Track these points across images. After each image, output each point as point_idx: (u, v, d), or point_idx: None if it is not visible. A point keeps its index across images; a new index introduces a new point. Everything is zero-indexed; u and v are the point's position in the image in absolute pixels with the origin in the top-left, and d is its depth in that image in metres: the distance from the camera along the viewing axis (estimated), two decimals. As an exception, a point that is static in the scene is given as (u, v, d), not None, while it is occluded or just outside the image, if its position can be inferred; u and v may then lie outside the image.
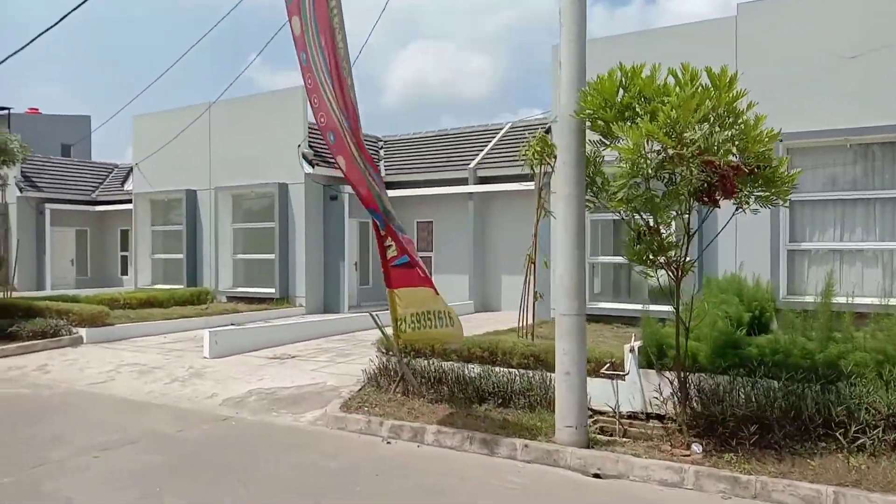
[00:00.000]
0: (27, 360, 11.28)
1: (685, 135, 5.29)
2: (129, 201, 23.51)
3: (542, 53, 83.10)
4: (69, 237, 25.46)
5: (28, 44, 12.16)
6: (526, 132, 18.09)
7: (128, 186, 21.15)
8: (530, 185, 15.11)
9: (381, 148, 20.73)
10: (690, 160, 5.29)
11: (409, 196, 18.57)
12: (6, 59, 12.31)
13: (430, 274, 18.98)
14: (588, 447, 5.93)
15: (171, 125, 19.21)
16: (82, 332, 12.55)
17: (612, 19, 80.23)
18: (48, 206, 23.56)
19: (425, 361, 8.08)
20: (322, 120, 7.26)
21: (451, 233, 18.39)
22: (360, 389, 8.04)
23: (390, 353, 8.24)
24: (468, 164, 17.81)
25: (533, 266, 9.28)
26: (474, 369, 7.85)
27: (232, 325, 13.70)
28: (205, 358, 10.78)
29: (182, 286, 19.03)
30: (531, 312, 9.41)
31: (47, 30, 10.82)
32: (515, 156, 17.14)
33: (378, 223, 7.34)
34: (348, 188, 17.10)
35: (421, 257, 19.20)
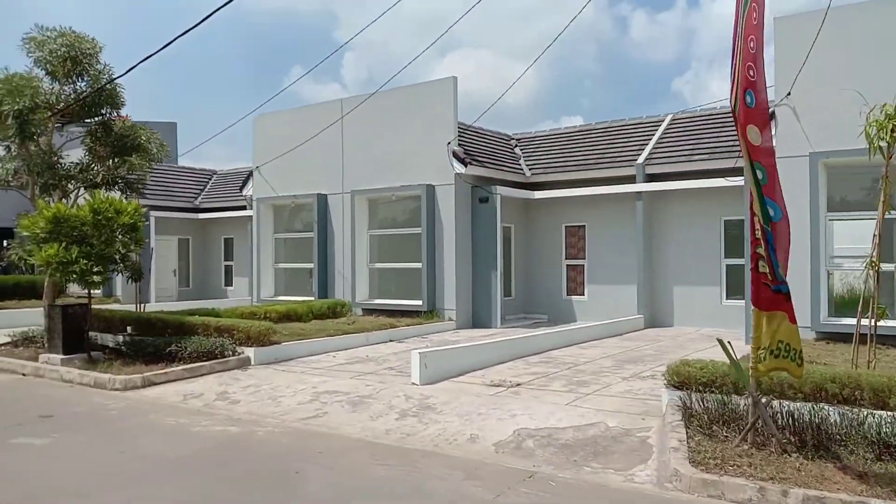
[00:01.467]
0: (198, 385, 9.81)
1: None
2: (234, 208, 22.36)
3: (581, 61, 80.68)
4: (172, 247, 24.42)
5: (160, 49, 11.07)
6: (694, 123, 16.17)
7: (247, 191, 19.87)
8: (737, 181, 13.18)
9: (515, 147, 18.99)
10: None
11: (555, 198, 16.80)
12: (138, 63, 11.22)
13: (584, 284, 17.24)
14: None
15: (294, 125, 17.89)
16: (249, 351, 11.06)
17: (653, 23, 77.38)
18: (153, 213, 22.49)
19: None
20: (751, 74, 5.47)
21: (610, 238, 16.51)
22: (688, 438, 6.20)
23: (743, 392, 6.33)
24: (635, 160, 15.92)
25: (876, 275, 7.27)
26: (827, 410, 5.99)
27: (428, 345, 12.13)
28: (414, 384, 9.11)
29: (311, 298, 17.60)
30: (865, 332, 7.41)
31: (182, 35, 9.73)
32: (692, 150, 15.23)
33: (762, 223, 5.45)
34: (501, 189, 15.43)
35: (570, 265, 17.58)
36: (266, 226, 18.93)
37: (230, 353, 10.92)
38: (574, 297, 17.12)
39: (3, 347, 13.45)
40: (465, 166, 15.23)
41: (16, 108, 10.86)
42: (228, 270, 24.38)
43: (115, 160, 12.97)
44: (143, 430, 7.53)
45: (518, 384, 9.08)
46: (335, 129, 17.08)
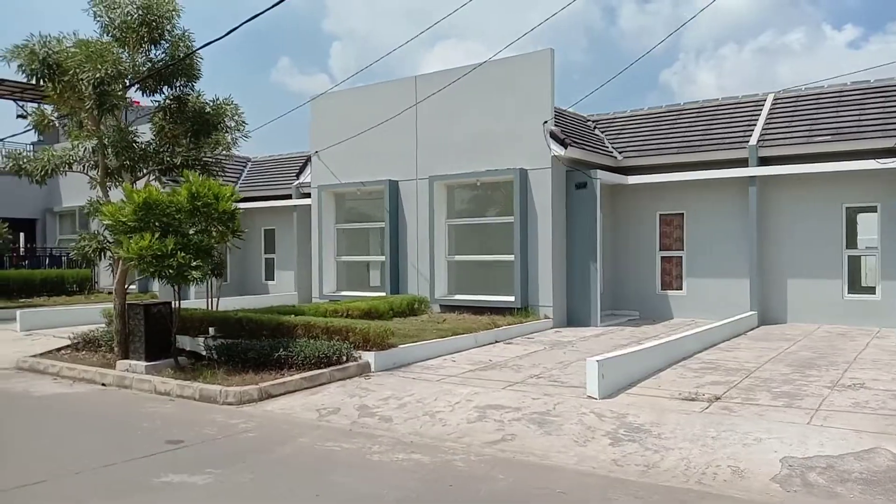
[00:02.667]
0: (324, 397, 8.43)
1: None
2: (276, 197, 20.89)
3: (570, 52, 78.81)
4: (209, 238, 22.93)
5: (227, 34, 9.90)
6: (805, 103, 14.88)
7: (304, 178, 18.40)
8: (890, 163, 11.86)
9: (594, 128, 17.61)
10: None
11: (650, 184, 15.46)
12: (203, 46, 10.32)
13: (682, 277, 15.92)
14: None
15: (359, 106, 16.44)
16: (367, 356, 9.66)
17: (642, 13, 75.63)
18: (193, 203, 20.94)
19: None
20: None
21: (714, 226, 15.19)
22: None
23: None
24: (745, 142, 14.58)
25: None
26: None
27: (545, 347, 10.74)
28: (591, 398, 7.77)
29: (372, 293, 16.23)
30: None
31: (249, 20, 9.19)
32: (809, 130, 13.96)
33: None
34: (600, 173, 14.08)
35: (665, 257, 16.24)
36: (328, 215, 17.47)
37: (346, 358, 9.52)
38: (669, 292, 15.81)
39: (63, 352, 11.99)
40: (565, 148, 13.84)
41: (96, 76, 9.37)
42: (269, 264, 22.90)
43: (191, 140, 11.48)
44: (313, 461, 6.15)
45: (716, 397, 7.75)
46: (407, 109, 15.63)
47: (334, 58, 76.70)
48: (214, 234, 9.63)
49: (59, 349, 12.12)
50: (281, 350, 9.51)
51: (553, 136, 13.92)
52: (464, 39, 76.40)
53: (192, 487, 5.40)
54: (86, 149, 10.16)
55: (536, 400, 7.81)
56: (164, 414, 8.03)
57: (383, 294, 15.87)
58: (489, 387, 8.56)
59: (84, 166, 11.47)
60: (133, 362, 10.07)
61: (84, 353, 11.83)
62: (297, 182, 19.32)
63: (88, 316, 16.19)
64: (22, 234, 27.98)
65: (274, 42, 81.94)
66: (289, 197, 20.30)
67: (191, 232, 9.53)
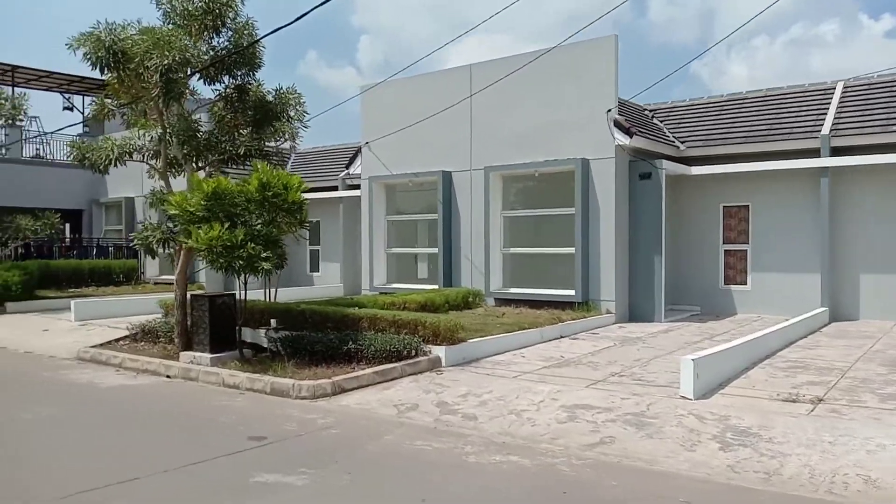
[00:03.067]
0: (398, 392, 8.17)
1: None
2: (321, 189, 20.65)
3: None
4: (253, 230, 22.85)
5: (295, 20, 9.68)
6: (878, 92, 14.21)
7: (354, 169, 18.18)
8: None
9: (653, 117, 17.08)
10: None
11: (713, 175, 14.92)
12: (270, 33, 10.09)
13: (747, 272, 15.38)
14: None
15: (411, 96, 16.14)
16: (438, 351, 9.38)
17: (671, 4, 73.69)
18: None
19: None
20: None
21: (781, 219, 14.61)
22: None
23: None
24: (817, 132, 13.98)
25: None
26: None
27: (615, 343, 10.35)
28: (685, 398, 7.38)
29: (422, 285, 15.94)
30: None
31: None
32: (886, 119, 13.32)
33: None
34: (666, 164, 13.60)
35: (729, 250, 15.70)
36: (378, 207, 17.22)
37: (416, 352, 9.24)
38: (733, 287, 15.27)
39: (121, 343, 11.92)
40: (630, 137, 13.39)
41: (164, 62, 9.17)
42: (314, 256, 22.75)
43: (253, 130, 11.28)
44: (405, 461, 5.87)
45: (819, 399, 7.31)
46: (461, 98, 15.28)
47: (362, 52, 76.39)
48: (283, 224, 9.40)
49: (117, 340, 12.06)
50: (350, 343, 9.28)
51: (617, 124, 13.47)
52: (491, 33, 75.48)
53: (290, 488, 5.15)
54: (151, 137, 9.96)
55: (626, 400, 7.45)
56: (238, 408, 7.84)
57: (433, 287, 15.58)
58: (571, 385, 8.21)
59: (144, 156, 11.35)
60: (197, 354, 9.92)
61: (143, 343, 11.74)
62: (345, 173, 19.09)
63: (140, 306, 16.16)
64: (68, 225, 28.27)
65: (302, 35, 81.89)
66: (335, 188, 20.09)
67: (257, 223, 9.31)
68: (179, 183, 11.05)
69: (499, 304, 14.89)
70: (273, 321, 10.75)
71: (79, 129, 26.64)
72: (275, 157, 11.71)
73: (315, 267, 22.55)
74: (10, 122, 17.27)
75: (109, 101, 11.39)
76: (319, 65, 75.21)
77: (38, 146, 24.97)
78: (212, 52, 10.73)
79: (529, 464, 5.74)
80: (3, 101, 16.97)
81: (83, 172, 25.11)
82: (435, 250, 16.20)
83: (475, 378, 8.72)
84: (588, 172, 13.82)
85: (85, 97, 27.87)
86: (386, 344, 9.05)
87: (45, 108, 70.81)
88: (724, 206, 15.40)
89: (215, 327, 9.99)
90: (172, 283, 21.25)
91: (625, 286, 13.92)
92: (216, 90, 11.39)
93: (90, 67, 10.00)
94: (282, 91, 11.19)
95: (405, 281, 17.28)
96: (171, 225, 10.40)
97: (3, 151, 20.49)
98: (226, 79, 11.16)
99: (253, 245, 8.87)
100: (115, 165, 10.68)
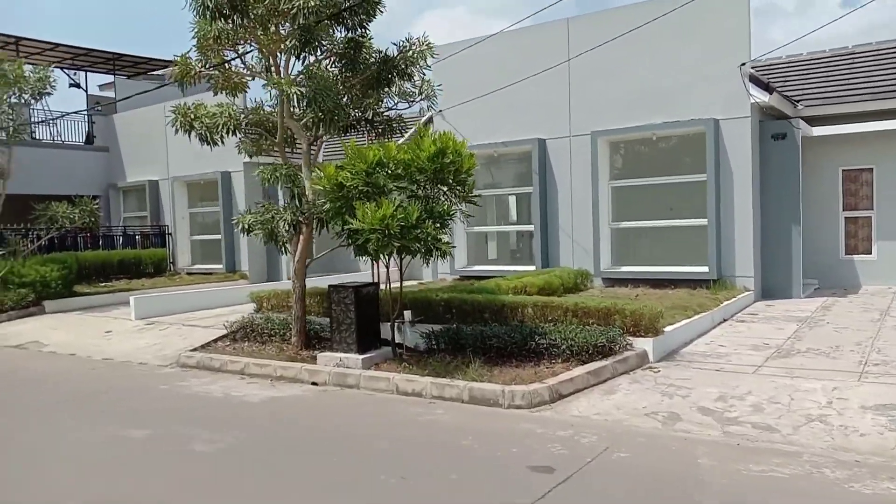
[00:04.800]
0: (633, 396, 6.78)
1: None
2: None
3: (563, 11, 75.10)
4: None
5: None
6: None
7: (426, 141, 16.52)
8: None
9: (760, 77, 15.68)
10: None
11: (829, 136, 13.67)
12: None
13: (871, 240, 14.19)
14: None
15: (490, 58, 14.53)
16: (641, 344, 7.97)
17: None
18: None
19: None
20: None
21: (914, 183, 13.45)
22: None
23: None
24: (964, 85, 12.78)
25: None
26: None
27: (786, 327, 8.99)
28: None
29: (513, 267, 14.53)
30: None
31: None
32: None
33: None
34: (802, 124, 12.27)
35: (850, 217, 14.44)
36: (458, 181, 15.63)
37: (620, 347, 7.82)
38: (856, 257, 14.10)
39: (219, 344, 10.30)
40: (770, 93, 12.03)
41: (309, 4, 7.49)
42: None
43: (372, 92, 9.64)
44: (789, 498, 4.48)
45: None
46: (557, 57, 13.76)
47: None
48: (453, 198, 7.86)
49: (215, 340, 10.42)
50: (536, 338, 7.83)
51: (754, 80, 12.10)
52: (451, 7, 73.00)
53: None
54: (289, 96, 8.15)
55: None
56: (453, 425, 6.36)
57: (512, 268, 14.23)
58: (835, 378, 6.89)
59: (243, 126, 9.62)
60: (342, 355, 8.39)
61: (246, 344, 10.13)
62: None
63: (199, 300, 14.60)
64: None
65: None
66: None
67: (422, 197, 7.76)
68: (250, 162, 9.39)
69: (609, 284, 13.53)
70: (407, 313, 9.24)
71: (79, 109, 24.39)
72: (395, 124, 10.10)
73: (361, 250, 20.89)
74: (37, 97, 15.23)
75: (193, 60, 9.59)
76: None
77: (44, 126, 22.72)
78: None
79: (945, 495, 4.40)
80: (25, 77, 14.89)
81: (97, 155, 23.23)
82: (527, 227, 14.74)
83: (703, 375, 7.35)
84: (718, 134, 12.44)
85: (88, 73, 25.62)
86: (589, 338, 7.61)
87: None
88: (844, 170, 14.16)
89: (361, 323, 8.46)
90: (209, 273, 19.80)
91: (759, 260, 12.65)
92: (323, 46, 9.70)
93: (196, 14, 8.29)
94: (407, 45, 9.51)
95: (482, 262, 15.85)
96: (297, 204, 8.75)
97: (26, 133, 18.22)
98: (339, 30, 9.48)
99: (433, 224, 7.33)
100: (228, 136, 8.97)
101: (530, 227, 14.65)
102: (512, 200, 15.50)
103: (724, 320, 10.49)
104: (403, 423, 6.55)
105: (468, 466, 5.23)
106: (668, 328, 8.53)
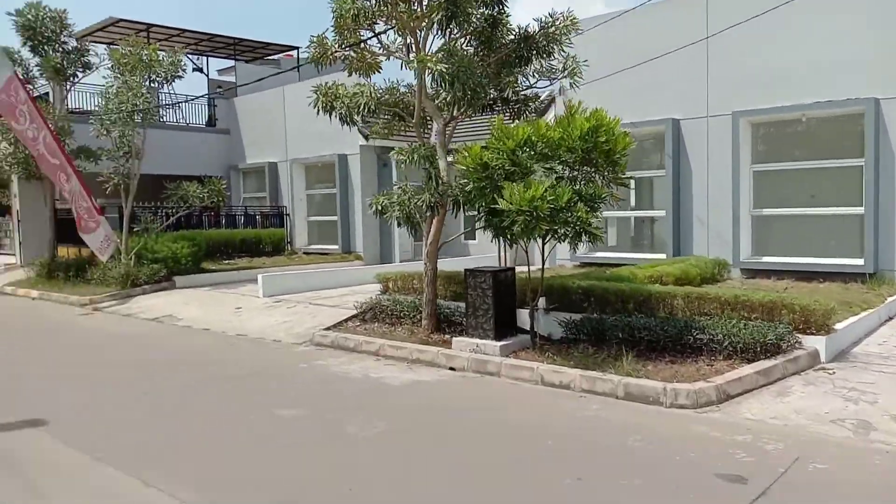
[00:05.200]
0: (810, 400, 6.16)
1: None
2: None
3: None
4: (403, 194, 21.11)
5: None
6: None
7: (548, 117, 16.03)
8: None
9: None
10: None
11: None
12: None
13: None
14: None
15: (618, 34, 13.78)
16: (812, 342, 7.26)
17: None
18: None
19: None
20: None
21: None
22: None
23: None
24: None
25: None
26: None
27: None
28: None
29: (651, 255, 13.82)
30: None
31: None
32: None
33: None
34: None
35: None
36: (581, 164, 15.06)
37: (790, 345, 7.14)
38: None
39: (349, 324, 10.29)
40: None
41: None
42: (470, 221, 20.85)
43: (507, 70, 9.24)
44: None
45: None
46: (695, 32, 12.88)
47: None
48: (602, 180, 7.40)
49: (346, 320, 10.43)
50: (694, 332, 7.27)
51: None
52: None
53: None
54: (433, 73, 7.94)
55: None
56: (609, 421, 5.96)
57: (632, 255, 13.51)
58: None
59: (374, 107, 9.45)
60: (479, 341, 8.13)
61: (376, 325, 10.07)
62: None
63: (324, 279, 14.81)
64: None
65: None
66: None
67: (572, 178, 7.34)
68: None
69: (748, 276, 12.62)
70: (542, 301, 8.87)
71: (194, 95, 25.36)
72: (530, 104, 9.69)
73: (471, 234, 20.67)
74: (169, 80, 15.82)
75: (329, 40, 9.49)
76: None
77: (169, 109, 23.75)
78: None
79: None
80: (160, 61, 15.46)
81: (219, 137, 24.09)
82: (658, 213, 14.00)
83: (889, 380, 6.59)
84: (880, 114, 11.28)
85: (210, 58, 26.59)
86: (756, 334, 6.98)
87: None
88: None
89: (499, 309, 8.17)
90: (324, 254, 20.16)
91: (919, 253, 11.44)
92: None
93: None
94: (549, 20, 9.05)
95: (604, 250, 15.20)
96: (435, 185, 8.52)
97: (157, 116, 19.03)
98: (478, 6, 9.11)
99: (584, 207, 6.90)
100: (371, 115, 8.85)
101: (661, 213, 13.89)
102: (633, 185, 14.74)
103: (890, 318, 9.51)
104: (560, 417, 6.20)
105: (648, 470, 4.81)
106: (838, 325, 7.74)
